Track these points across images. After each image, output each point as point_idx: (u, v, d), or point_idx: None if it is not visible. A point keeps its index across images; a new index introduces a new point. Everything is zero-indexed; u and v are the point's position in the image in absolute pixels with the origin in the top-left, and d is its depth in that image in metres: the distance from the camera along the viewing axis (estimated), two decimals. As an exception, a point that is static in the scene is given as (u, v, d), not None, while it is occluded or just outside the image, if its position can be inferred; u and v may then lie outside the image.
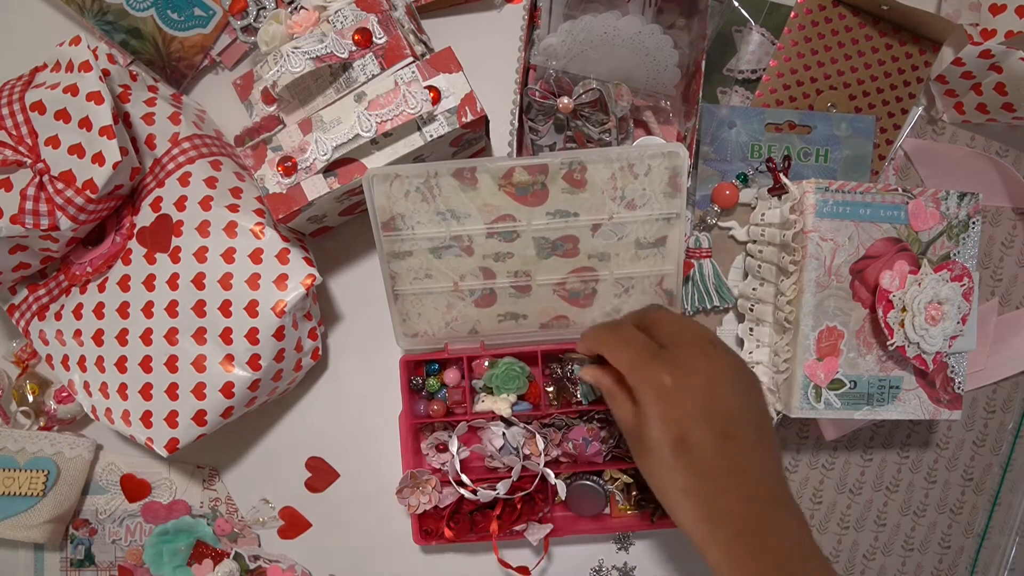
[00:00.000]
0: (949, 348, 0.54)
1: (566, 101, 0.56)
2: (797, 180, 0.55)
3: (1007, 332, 0.65)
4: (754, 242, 0.59)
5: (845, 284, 0.54)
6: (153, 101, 0.57)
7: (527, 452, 0.59)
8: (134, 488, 0.64)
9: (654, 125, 0.60)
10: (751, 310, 0.58)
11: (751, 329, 0.58)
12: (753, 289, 0.58)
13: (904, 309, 0.53)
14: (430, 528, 0.60)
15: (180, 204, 0.54)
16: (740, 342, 0.60)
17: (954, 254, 0.55)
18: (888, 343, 0.53)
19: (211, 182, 0.54)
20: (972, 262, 0.55)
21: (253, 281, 0.53)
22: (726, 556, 0.41)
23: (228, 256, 0.53)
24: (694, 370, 0.43)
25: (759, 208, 0.59)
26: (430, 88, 0.50)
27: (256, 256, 0.53)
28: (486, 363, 0.59)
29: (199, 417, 0.54)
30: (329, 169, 0.51)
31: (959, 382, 0.56)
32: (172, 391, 0.54)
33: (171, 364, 0.54)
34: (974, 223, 0.55)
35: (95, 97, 0.50)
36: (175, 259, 0.54)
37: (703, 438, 0.42)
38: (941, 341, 0.53)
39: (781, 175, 0.57)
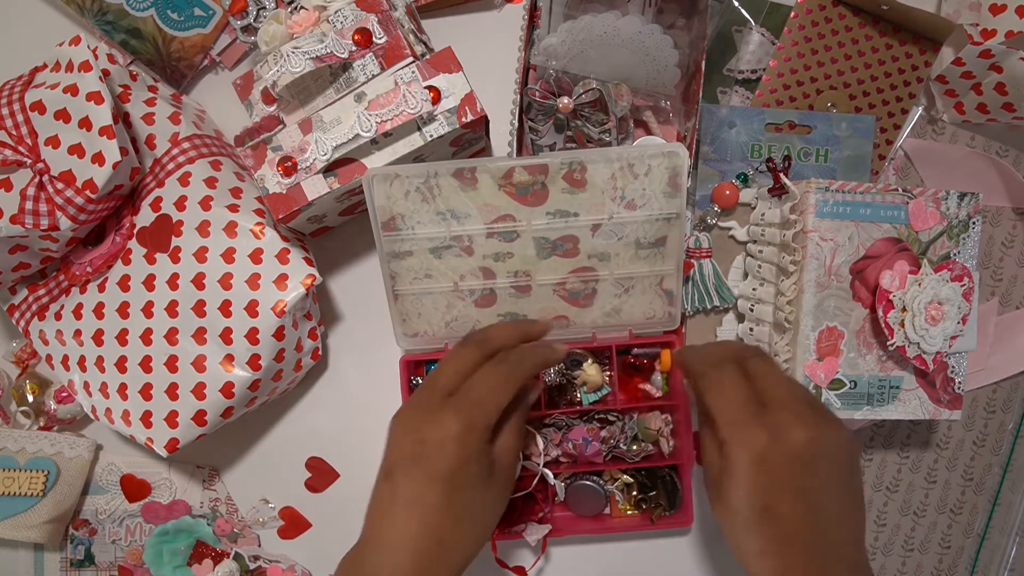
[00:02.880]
0: (949, 348, 0.54)
1: (566, 101, 0.56)
2: (797, 180, 0.55)
3: (1007, 332, 0.65)
4: (754, 242, 0.59)
5: (845, 284, 0.54)
6: (153, 101, 0.57)
7: (527, 452, 0.59)
8: (134, 488, 0.64)
9: (654, 125, 0.60)
10: (751, 310, 0.58)
11: (751, 329, 0.58)
12: (753, 289, 0.58)
13: (904, 309, 0.53)
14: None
15: (180, 204, 0.54)
16: (740, 342, 0.60)
17: (954, 254, 0.55)
18: (888, 343, 0.53)
19: (211, 182, 0.54)
20: (972, 262, 0.55)
21: (253, 281, 0.53)
22: None
23: (228, 256, 0.53)
24: (793, 440, 0.40)
25: (759, 208, 0.59)
26: (430, 88, 0.50)
27: (256, 256, 0.53)
28: (486, 363, 0.59)
29: (199, 417, 0.54)
30: (329, 169, 0.51)
31: (959, 382, 0.56)
32: (172, 391, 0.54)
33: (171, 364, 0.54)
34: (974, 223, 0.55)
35: (95, 97, 0.50)
36: (175, 259, 0.54)
37: (792, 511, 0.39)
38: (941, 341, 0.53)
39: (781, 175, 0.57)
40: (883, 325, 0.53)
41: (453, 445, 0.42)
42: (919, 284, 0.53)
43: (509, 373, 0.45)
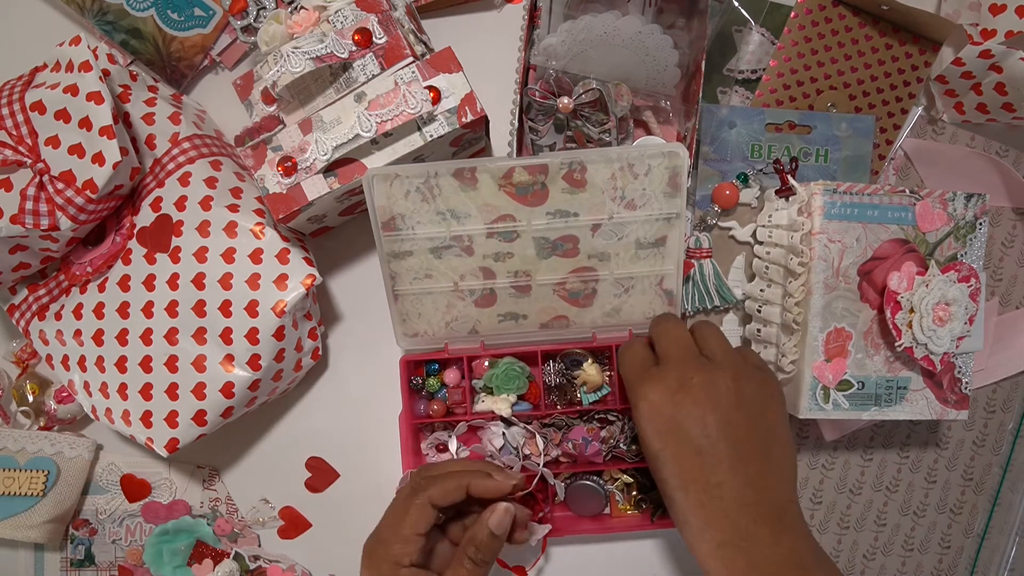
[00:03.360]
0: (956, 348, 0.54)
1: (566, 101, 0.56)
2: (800, 182, 0.55)
3: (1007, 332, 0.65)
4: (761, 244, 0.59)
5: (853, 285, 0.54)
6: (153, 101, 0.57)
7: (527, 452, 0.59)
8: (134, 488, 0.64)
9: (654, 125, 0.60)
10: (759, 311, 0.58)
11: (759, 330, 0.58)
12: (761, 291, 0.58)
13: (912, 310, 0.53)
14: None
15: (180, 204, 0.54)
16: (747, 343, 0.60)
17: (961, 255, 0.55)
18: (896, 344, 0.53)
19: (211, 182, 0.54)
20: (979, 263, 0.55)
21: (253, 281, 0.53)
22: (710, 560, 0.44)
23: (228, 256, 0.53)
24: (669, 384, 0.46)
25: (766, 209, 0.59)
26: (430, 88, 0.50)
27: (256, 256, 0.53)
28: (486, 363, 0.59)
29: (199, 417, 0.54)
30: (329, 169, 0.51)
31: (966, 382, 0.56)
32: (172, 391, 0.54)
33: (171, 364, 0.54)
34: (981, 224, 0.55)
35: (95, 97, 0.50)
36: (175, 259, 0.54)
37: (678, 451, 0.45)
38: (948, 342, 0.53)
39: (788, 176, 0.57)
40: (891, 326, 0.53)
41: None
42: (926, 285, 0.53)
43: (416, 504, 0.49)
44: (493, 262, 0.55)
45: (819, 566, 0.44)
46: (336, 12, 0.52)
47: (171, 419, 0.54)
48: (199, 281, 0.53)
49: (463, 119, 0.51)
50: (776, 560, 0.43)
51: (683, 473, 0.45)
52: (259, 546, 0.64)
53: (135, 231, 0.55)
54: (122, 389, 0.55)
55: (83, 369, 0.56)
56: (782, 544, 0.43)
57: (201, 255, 0.53)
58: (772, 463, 0.45)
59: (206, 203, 0.54)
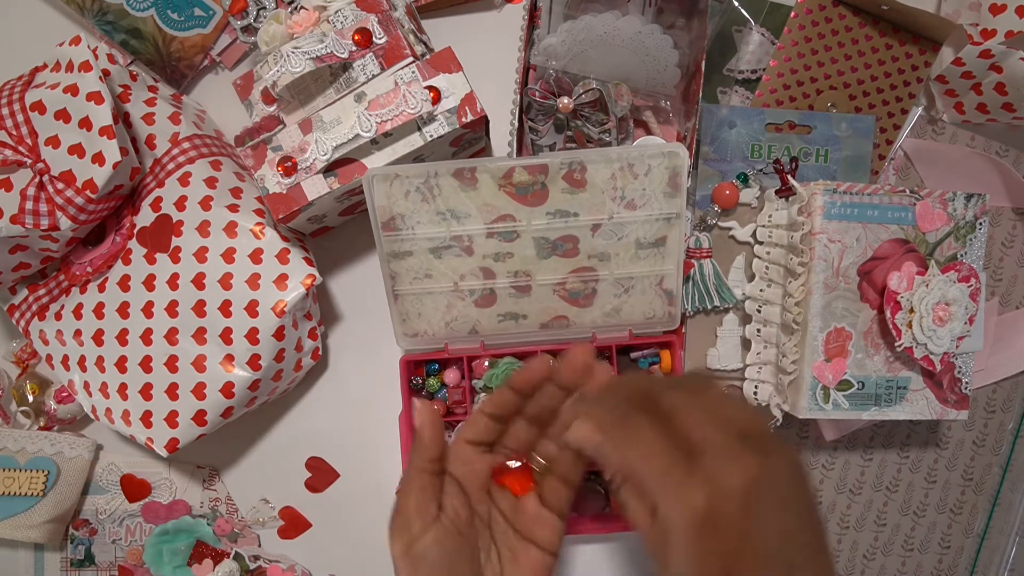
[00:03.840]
0: (956, 348, 0.54)
1: (566, 101, 0.56)
2: (800, 182, 0.55)
3: (1007, 332, 0.65)
4: (761, 244, 0.59)
5: (853, 285, 0.54)
6: (153, 101, 0.57)
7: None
8: (134, 488, 0.64)
9: (654, 125, 0.60)
10: (759, 311, 0.58)
11: (759, 330, 0.58)
12: (761, 291, 0.58)
13: (912, 310, 0.53)
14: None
15: (180, 204, 0.54)
16: (747, 343, 0.60)
17: (961, 255, 0.55)
18: (896, 344, 0.53)
19: (211, 182, 0.54)
20: (979, 263, 0.55)
21: (253, 281, 0.53)
22: None
23: (228, 256, 0.53)
24: (732, 487, 0.33)
25: (766, 209, 0.59)
26: (430, 88, 0.50)
27: (256, 256, 0.53)
28: (486, 363, 0.59)
29: (199, 417, 0.54)
30: (329, 169, 0.51)
31: (966, 382, 0.56)
32: (172, 391, 0.54)
33: (171, 364, 0.54)
34: (981, 224, 0.55)
35: (95, 97, 0.50)
36: (175, 259, 0.54)
37: (754, 568, 0.33)
38: (948, 342, 0.53)
39: (789, 176, 0.57)
40: (891, 326, 0.53)
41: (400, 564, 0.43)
42: (926, 285, 0.53)
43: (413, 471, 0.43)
44: (493, 262, 0.55)
45: None
46: (336, 12, 0.52)
47: (171, 419, 0.54)
48: (199, 281, 0.53)
49: (463, 119, 0.51)
50: None
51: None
52: (259, 546, 0.64)
53: (135, 231, 0.55)
54: (122, 389, 0.55)
55: (83, 369, 0.56)
56: None
57: (201, 255, 0.53)
58: (825, 546, 0.35)
59: (206, 203, 0.54)
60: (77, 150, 0.51)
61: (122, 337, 0.54)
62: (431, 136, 0.51)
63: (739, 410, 0.37)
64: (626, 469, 0.36)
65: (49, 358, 0.58)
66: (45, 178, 0.52)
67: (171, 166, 0.55)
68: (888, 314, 0.53)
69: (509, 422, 0.44)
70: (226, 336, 0.53)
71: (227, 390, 0.53)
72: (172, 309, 0.53)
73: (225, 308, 0.53)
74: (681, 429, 0.35)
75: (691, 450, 0.34)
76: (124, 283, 0.55)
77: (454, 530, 0.42)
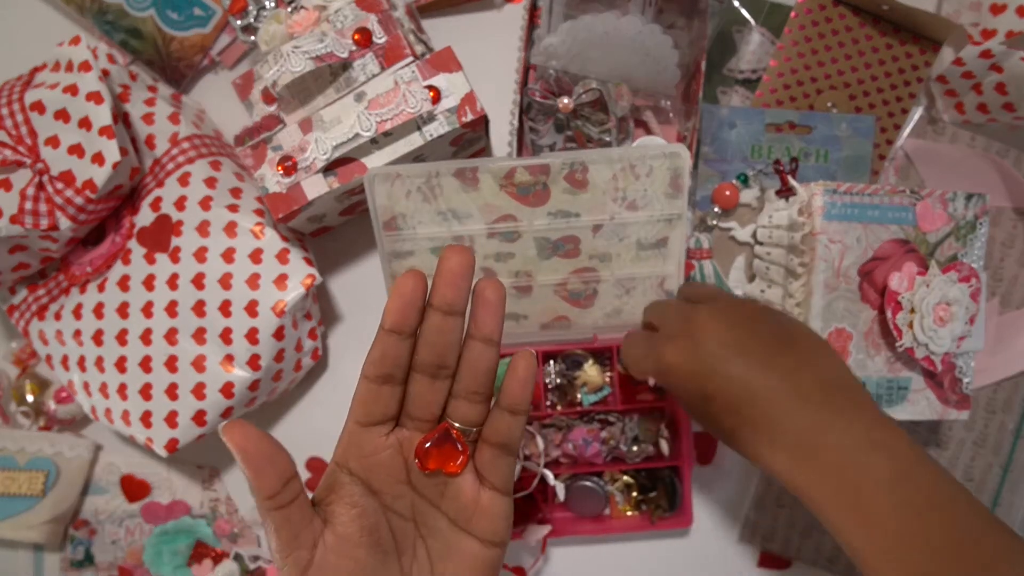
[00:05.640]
0: (957, 349, 0.54)
1: (566, 101, 0.56)
2: (800, 182, 0.55)
3: (1007, 332, 0.65)
4: (761, 244, 0.59)
5: (853, 286, 0.54)
6: (153, 101, 0.57)
7: (527, 453, 0.59)
8: (134, 488, 0.64)
9: (654, 125, 0.60)
10: (754, 311, 0.58)
11: (753, 330, 0.58)
12: (761, 291, 0.58)
13: (912, 310, 0.53)
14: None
15: (180, 204, 0.54)
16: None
17: (961, 255, 0.55)
18: (897, 345, 0.53)
19: (211, 182, 0.54)
20: (979, 263, 0.55)
21: (253, 281, 0.53)
22: (789, 467, 0.41)
23: (228, 256, 0.53)
24: (692, 330, 0.45)
25: (766, 210, 0.59)
26: (430, 88, 0.50)
27: (256, 256, 0.53)
28: (486, 363, 0.59)
29: (199, 417, 0.54)
30: (329, 169, 0.51)
31: (967, 382, 0.56)
32: (172, 391, 0.54)
33: (171, 364, 0.54)
34: (981, 224, 0.55)
35: (95, 97, 0.50)
36: (175, 259, 0.54)
37: (721, 385, 0.43)
38: (949, 342, 0.53)
39: (789, 177, 0.57)
40: (892, 327, 0.53)
41: None
42: (927, 285, 0.53)
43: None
44: (494, 262, 0.55)
45: (893, 439, 0.40)
46: (336, 12, 0.52)
47: (171, 419, 0.54)
48: (199, 281, 0.53)
49: (463, 118, 0.51)
50: (849, 445, 0.39)
51: (730, 400, 0.42)
52: (259, 546, 0.64)
53: (135, 231, 0.55)
54: (122, 389, 0.55)
55: (83, 369, 0.56)
56: (854, 426, 0.40)
57: (201, 255, 0.53)
58: (812, 350, 0.44)
59: (206, 203, 0.54)
60: (77, 150, 0.51)
61: (122, 337, 0.54)
62: (431, 135, 0.51)
63: (700, 286, 0.53)
64: (627, 360, 0.51)
65: (48, 358, 0.58)
66: (45, 178, 0.51)
67: (171, 166, 0.55)
68: (889, 314, 0.53)
69: (404, 381, 0.35)
70: (226, 336, 0.53)
71: (227, 390, 0.53)
72: (172, 309, 0.53)
73: (225, 308, 0.53)
74: (655, 322, 0.50)
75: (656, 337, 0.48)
76: (124, 283, 0.55)
77: (356, 544, 0.35)
